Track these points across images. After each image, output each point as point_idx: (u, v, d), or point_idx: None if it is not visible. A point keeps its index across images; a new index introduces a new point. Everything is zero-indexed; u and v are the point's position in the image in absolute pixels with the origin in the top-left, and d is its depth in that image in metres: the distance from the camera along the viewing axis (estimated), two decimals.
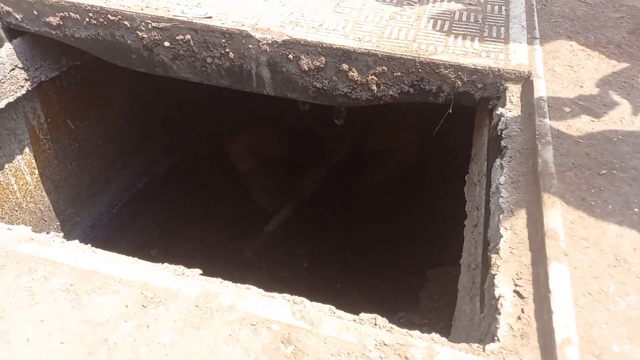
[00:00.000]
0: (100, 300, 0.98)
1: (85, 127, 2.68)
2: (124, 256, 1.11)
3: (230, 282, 1.07)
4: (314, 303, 1.05)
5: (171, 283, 1.03)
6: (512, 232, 1.21)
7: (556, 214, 1.17)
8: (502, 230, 1.22)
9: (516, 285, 1.09)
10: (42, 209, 2.51)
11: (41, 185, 2.48)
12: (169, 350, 0.91)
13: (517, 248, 1.17)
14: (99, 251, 1.12)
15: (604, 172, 1.31)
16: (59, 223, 2.60)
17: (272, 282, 3.02)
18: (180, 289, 1.01)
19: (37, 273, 1.02)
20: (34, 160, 2.43)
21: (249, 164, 3.30)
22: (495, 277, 1.12)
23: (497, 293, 1.09)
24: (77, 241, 1.15)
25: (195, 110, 3.54)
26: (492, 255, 1.18)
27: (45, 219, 2.54)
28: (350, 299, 2.88)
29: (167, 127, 3.28)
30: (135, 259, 1.12)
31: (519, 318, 1.02)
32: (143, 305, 0.97)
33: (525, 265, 1.12)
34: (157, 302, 0.98)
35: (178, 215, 3.28)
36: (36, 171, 2.44)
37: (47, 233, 1.14)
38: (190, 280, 1.05)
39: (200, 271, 1.10)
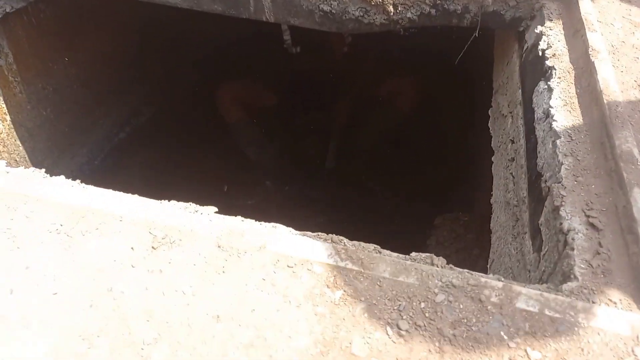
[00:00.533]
0: (99, 242, 0.80)
1: (59, 70, 2.41)
2: (121, 193, 0.92)
3: (254, 220, 0.89)
4: (355, 242, 0.88)
5: (185, 221, 0.84)
6: (573, 158, 1.04)
7: (628, 135, 1.00)
8: (560, 157, 1.06)
9: (588, 216, 0.93)
10: (17, 159, 2.26)
11: (14, 132, 2.23)
12: (189, 299, 0.73)
13: (583, 176, 1.01)
14: (91, 187, 0.92)
15: None
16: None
17: None
18: (197, 227, 0.83)
19: (17, 212, 0.83)
20: (4, 105, 2.17)
21: (236, 113, 3.07)
22: (561, 208, 0.96)
23: (565, 226, 0.93)
24: (62, 177, 0.95)
25: (180, 54, 3.28)
26: (553, 185, 1.02)
27: None
28: None
29: (148, 73, 3.02)
30: (136, 195, 0.93)
31: (598, 253, 0.87)
32: (153, 247, 0.79)
33: (596, 194, 0.97)
34: (170, 242, 0.80)
35: (164, 166, 3.06)
36: (8, 117, 2.19)
37: (25, 168, 0.93)
38: (207, 217, 0.86)
39: (215, 209, 0.92)
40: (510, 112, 1.55)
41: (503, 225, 1.35)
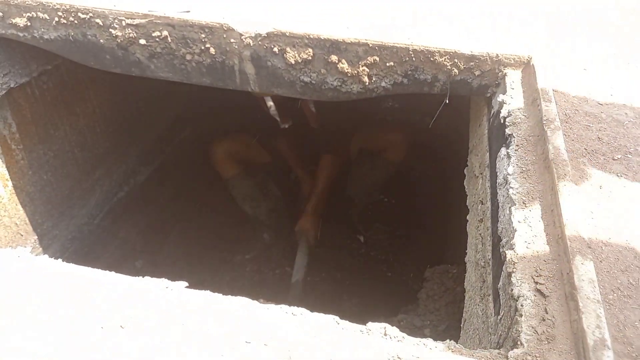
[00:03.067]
0: (71, 325, 0.86)
1: (60, 136, 2.53)
2: (99, 271, 0.99)
3: (219, 295, 0.96)
4: (315, 314, 0.94)
5: (152, 299, 0.91)
6: (526, 225, 1.11)
7: (574, 203, 1.07)
8: (515, 224, 1.12)
9: (536, 283, 0.99)
10: (18, 222, 2.36)
11: (15, 197, 2.33)
12: None
13: (534, 242, 1.07)
14: (72, 266, 0.99)
15: (619, 156, 1.22)
16: (36, 237, 2.46)
17: (265, 290, 2.91)
18: (163, 305, 0.90)
19: None
20: (6, 172, 2.28)
21: (231, 169, 3.16)
22: (512, 275, 1.02)
23: (515, 293, 0.99)
24: (46, 256, 1.02)
25: (174, 116, 3.42)
26: (506, 251, 1.08)
27: (22, 233, 2.39)
28: (348, 303, 2.78)
29: (144, 134, 3.15)
30: (113, 272, 1.00)
31: (543, 319, 0.92)
32: (121, 327, 0.85)
33: (545, 260, 1.03)
34: (139, 323, 0.86)
35: (162, 224, 3.15)
36: (9, 183, 2.30)
37: (12, 248, 1.01)
38: (176, 294, 0.93)
39: (186, 284, 0.98)
40: (481, 173, 1.63)
41: (473, 285, 1.41)
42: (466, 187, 1.78)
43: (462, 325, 1.40)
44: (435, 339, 1.31)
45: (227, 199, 3.24)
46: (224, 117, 3.50)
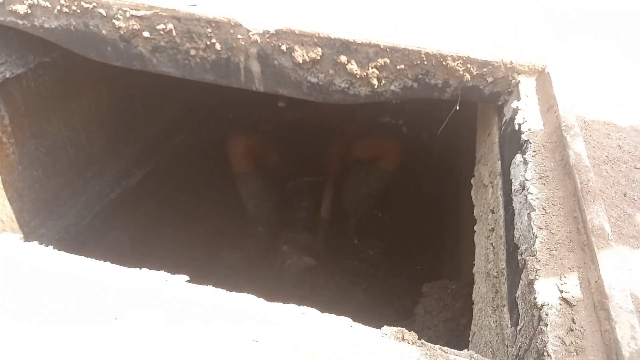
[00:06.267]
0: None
1: (53, 132, 2.45)
2: (92, 260, 0.92)
3: (222, 291, 0.89)
4: (327, 315, 0.87)
5: (152, 295, 0.83)
6: (547, 231, 1.05)
7: (600, 209, 1.02)
8: (535, 230, 1.07)
9: (561, 291, 0.93)
10: (4, 219, 2.26)
11: (3, 192, 2.24)
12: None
13: (556, 249, 1.01)
14: (63, 254, 0.92)
15: None
16: (22, 235, 2.36)
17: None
18: (163, 302, 0.82)
19: None
20: None
21: (246, 165, 3.13)
22: (535, 283, 0.96)
23: (539, 301, 0.93)
24: (36, 242, 0.95)
25: (171, 119, 3.35)
26: (527, 258, 1.02)
27: (7, 230, 2.29)
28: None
29: (140, 135, 3.07)
30: (107, 262, 0.93)
31: (571, 330, 0.86)
32: (115, 319, 0.78)
33: (569, 268, 0.97)
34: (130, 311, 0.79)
35: (153, 227, 3.05)
36: None
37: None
38: (175, 290, 0.86)
39: (186, 277, 0.91)
40: (491, 182, 1.58)
41: (484, 296, 1.34)
42: (474, 197, 1.73)
43: (470, 339, 1.33)
44: None
45: (221, 202, 3.17)
46: (221, 123, 3.45)
